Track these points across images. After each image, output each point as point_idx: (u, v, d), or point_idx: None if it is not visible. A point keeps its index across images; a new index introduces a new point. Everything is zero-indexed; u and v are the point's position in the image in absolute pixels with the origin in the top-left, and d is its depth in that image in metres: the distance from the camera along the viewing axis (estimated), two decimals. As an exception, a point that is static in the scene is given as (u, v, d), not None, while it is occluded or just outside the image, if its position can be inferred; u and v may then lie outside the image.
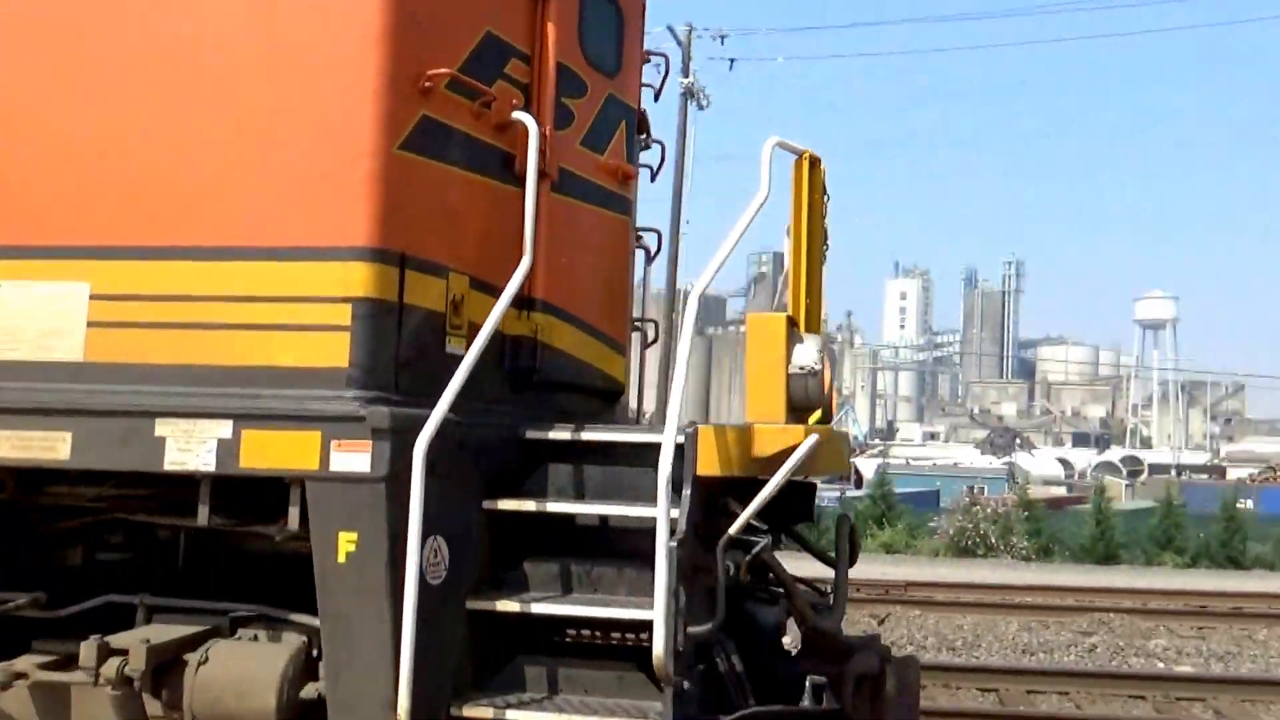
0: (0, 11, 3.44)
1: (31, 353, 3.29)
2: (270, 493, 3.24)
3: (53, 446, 3.18)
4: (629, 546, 3.49)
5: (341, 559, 3.06)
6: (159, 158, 3.30)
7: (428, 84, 3.32)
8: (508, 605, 3.31)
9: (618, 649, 3.59)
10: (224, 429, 3.12)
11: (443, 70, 3.36)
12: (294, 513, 3.15)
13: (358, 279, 3.17)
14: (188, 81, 3.31)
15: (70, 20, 3.41)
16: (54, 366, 3.27)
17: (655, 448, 3.46)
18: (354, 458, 3.06)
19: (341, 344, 3.15)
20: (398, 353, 3.22)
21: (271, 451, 3.10)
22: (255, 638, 3.33)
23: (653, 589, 3.31)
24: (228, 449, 3.12)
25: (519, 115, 3.61)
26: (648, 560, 3.48)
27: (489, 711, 3.18)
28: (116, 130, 3.33)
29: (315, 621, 3.24)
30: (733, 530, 3.30)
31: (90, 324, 3.27)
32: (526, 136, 3.55)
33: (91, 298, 3.27)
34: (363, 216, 3.19)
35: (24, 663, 3.34)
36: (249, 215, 3.23)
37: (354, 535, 3.06)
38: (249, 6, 3.31)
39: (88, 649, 3.12)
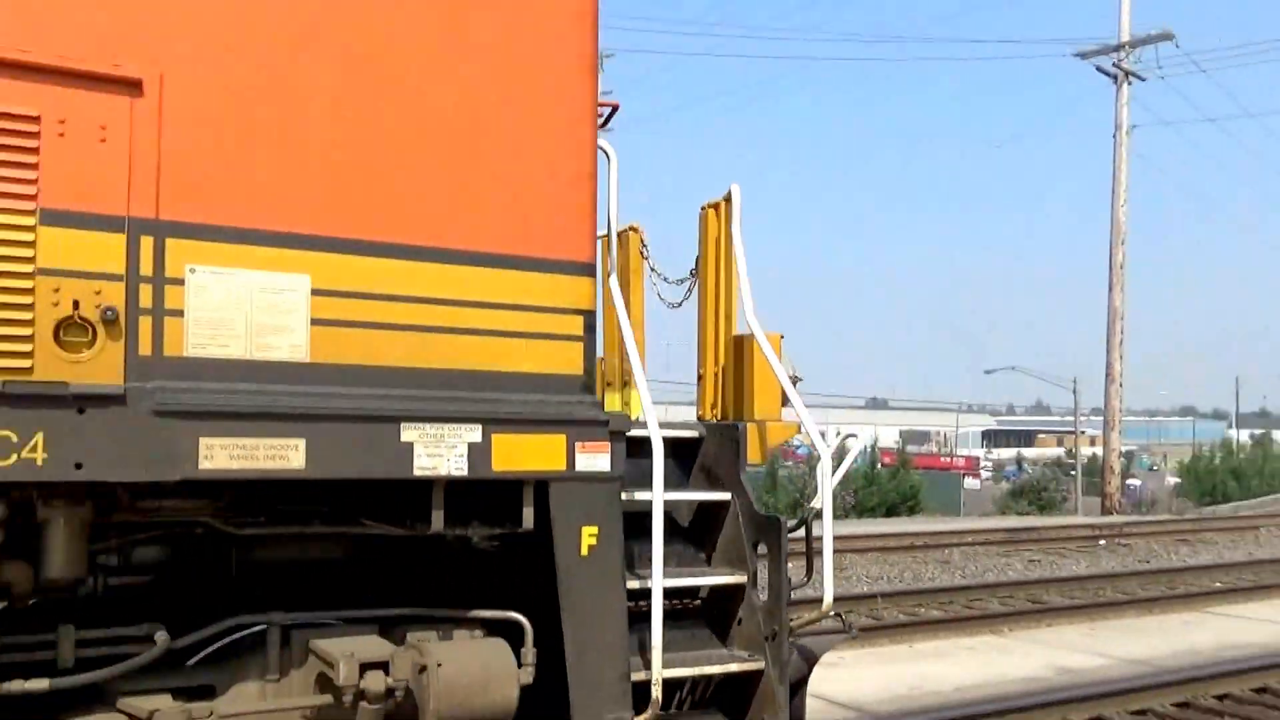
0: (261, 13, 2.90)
1: (245, 350, 2.87)
2: (469, 496, 3.30)
3: (284, 455, 2.87)
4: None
5: (584, 552, 3.32)
6: (398, 152, 3.10)
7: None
8: (638, 583, 3.78)
9: (681, 612, 4.23)
10: (474, 433, 3.14)
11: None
12: (528, 513, 3.28)
13: (586, 292, 3.40)
14: (439, 90, 3.16)
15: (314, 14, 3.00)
16: (277, 366, 2.91)
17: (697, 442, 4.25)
18: (596, 459, 3.33)
19: (577, 352, 3.37)
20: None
21: (521, 454, 3.21)
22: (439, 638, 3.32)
23: (712, 560, 4.12)
24: (479, 453, 3.14)
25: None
26: (684, 536, 4.26)
27: (652, 674, 3.64)
28: (358, 118, 3.03)
29: (484, 615, 3.39)
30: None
31: (316, 322, 2.97)
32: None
33: (314, 293, 2.97)
34: (585, 234, 3.42)
35: (198, 708, 2.91)
36: (489, 222, 3.23)
37: (595, 530, 3.33)
38: (495, 33, 3.26)
39: (348, 666, 2.90)
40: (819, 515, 4.10)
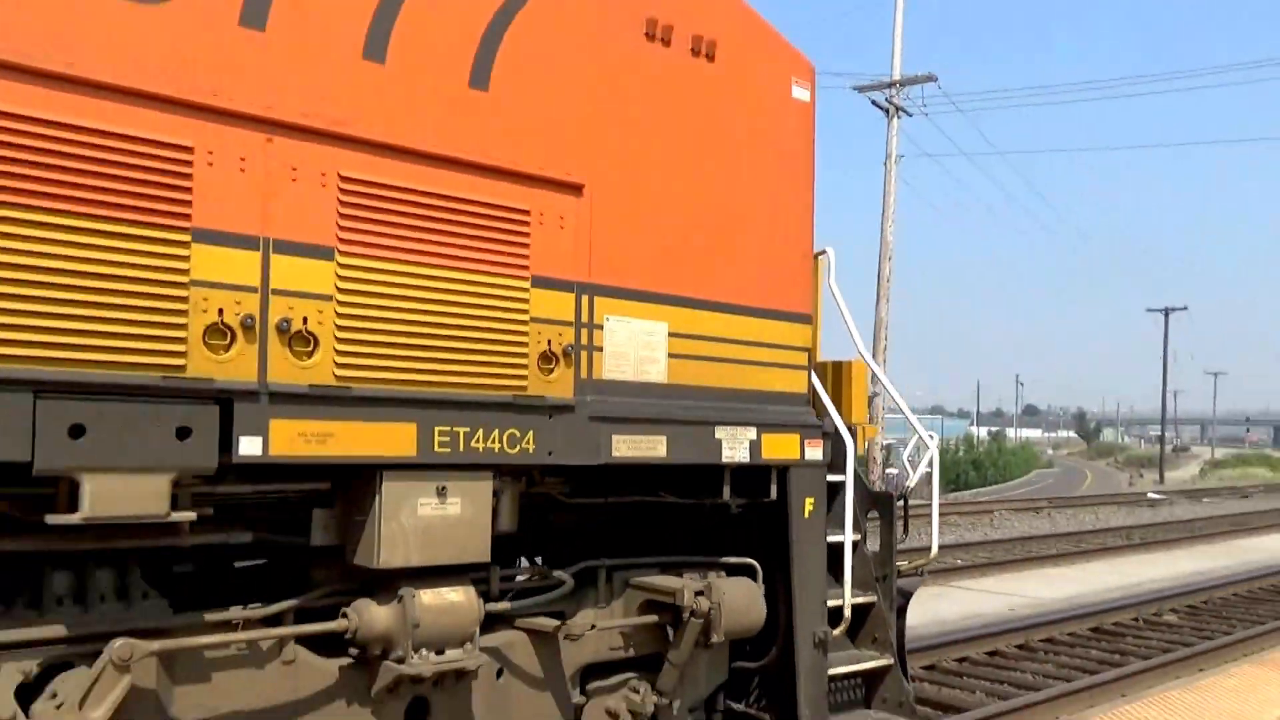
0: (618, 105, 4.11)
1: (634, 374, 4.13)
2: (694, 478, 4.65)
3: (654, 447, 4.16)
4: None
5: (807, 515, 4.77)
6: (717, 238, 4.41)
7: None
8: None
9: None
10: (752, 434, 4.52)
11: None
12: (774, 489, 4.69)
13: (809, 335, 4.84)
14: (738, 203, 4.50)
15: (662, 118, 4.25)
16: (650, 386, 4.18)
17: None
18: (816, 451, 4.79)
19: (804, 377, 4.80)
20: (798, 383, 4.96)
21: (776, 448, 4.61)
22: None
23: (829, 525, 5.64)
24: (755, 447, 4.53)
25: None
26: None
27: (844, 599, 5.11)
28: (695, 215, 4.33)
29: (731, 561, 4.77)
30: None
31: (683, 356, 4.27)
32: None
33: (670, 335, 4.26)
34: (808, 294, 4.86)
35: (574, 624, 4.17)
36: (762, 286, 4.59)
37: (812, 500, 4.79)
38: (769, 162, 4.62)
39: (690, 592, 4.24)
40: (912, 491, 5.71)
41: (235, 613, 3.44)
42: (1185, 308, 61.74)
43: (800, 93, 4.84)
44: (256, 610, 3.46)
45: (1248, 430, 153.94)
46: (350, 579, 3.68)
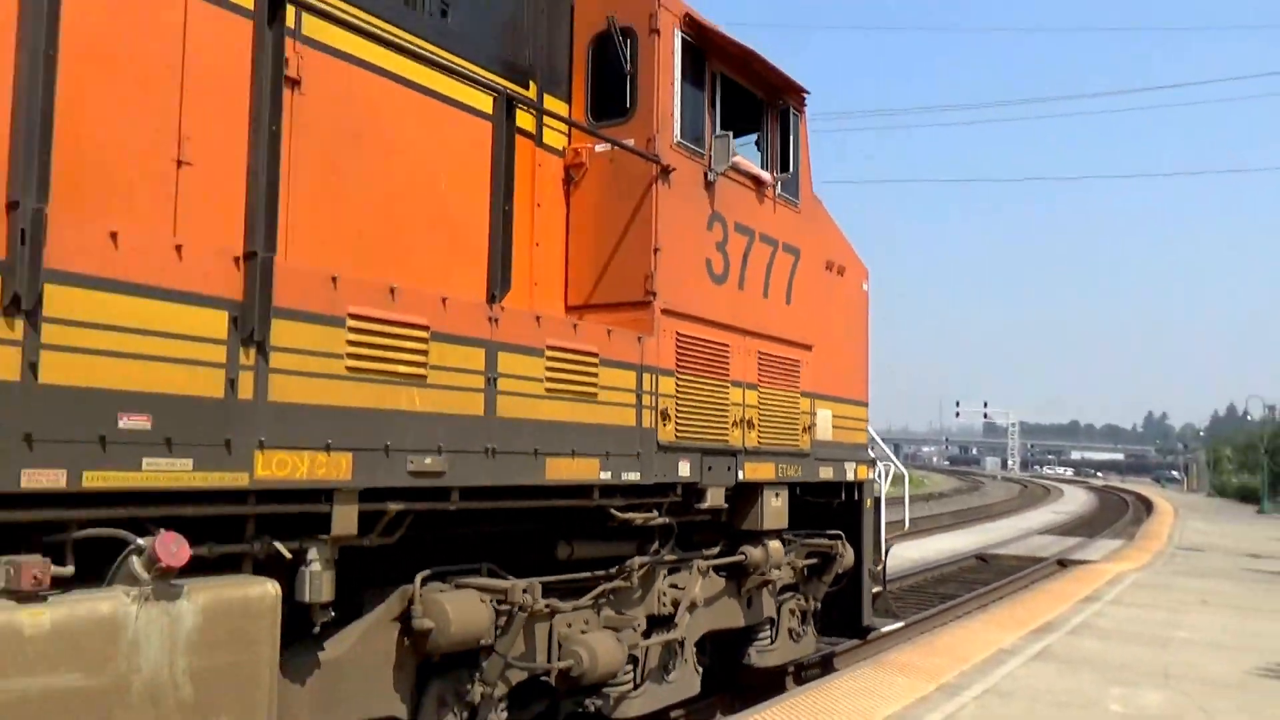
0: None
1: (824, 436, 8.36)
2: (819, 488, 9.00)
3: (831, 472, 8.44)
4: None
5: (868, 506, 9.23)
6: (845, 363, 8.76)
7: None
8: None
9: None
10: (854, 467, 8.91)
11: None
12: (856, 494, 9.09)
13: (866, 413, 9.32)
14: (843, 326, 8.87)
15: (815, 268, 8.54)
16: (828, 442, 8.42)
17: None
18: (873, 472, 9.28)
19: (865, 434, 9.28)
20: (856, 436, 9.44)
21: (858, 472, 9.03)
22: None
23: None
24: (852, 471, 8.90)
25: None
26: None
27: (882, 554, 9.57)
28: (840, 351, 8.65)
29: (829, 533, 9.09)
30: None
31: (835, 427, 8.55)
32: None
33: (834, 416, 8.53)
34: (867, 391, 9.35)
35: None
36: (850, 383, 9.00)
37: (870, 501, 9.27)
38: (854, 305, 9.06)
39: (837, 545, 8.52)
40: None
41: (703, 553, 7.29)
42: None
43: (866, 286, 9.35)
44: (712, 552, 7.33)
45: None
46: (729, 538, 7.61)
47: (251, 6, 4.29)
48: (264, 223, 4.04)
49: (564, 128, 6.62)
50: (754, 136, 7.79)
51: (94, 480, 3.48)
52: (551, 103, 6.57)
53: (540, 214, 6.45)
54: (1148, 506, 44.05)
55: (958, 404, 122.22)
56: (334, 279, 4.33)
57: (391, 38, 5.10)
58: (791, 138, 7.88)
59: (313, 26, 4.96)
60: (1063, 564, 19.77)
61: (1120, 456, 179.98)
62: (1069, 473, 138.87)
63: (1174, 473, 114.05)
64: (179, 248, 3.77)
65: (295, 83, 4.90)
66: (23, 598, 3.37)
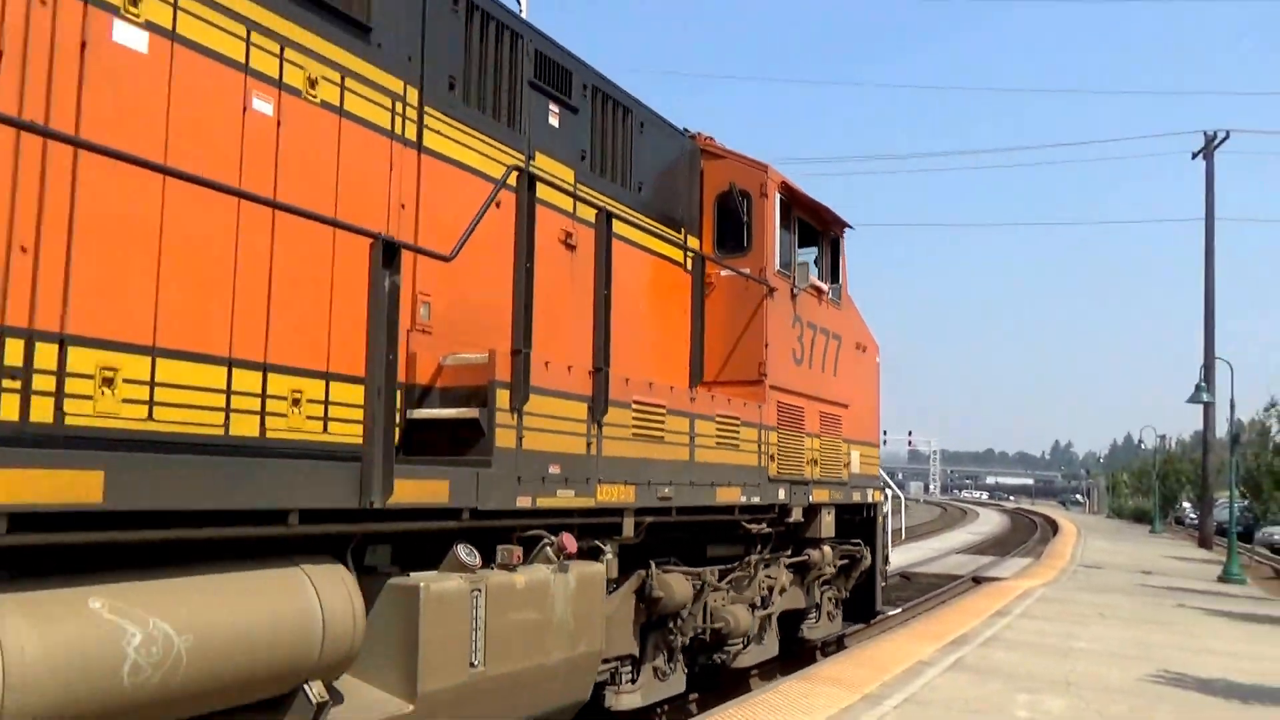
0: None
1: (856, 469, 11.38)
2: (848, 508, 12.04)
3: (858, 496, 11.47)
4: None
5: (880, 520, 12.30)
6: (865, 415, 11.82)
7: (866, 396, 12.65)
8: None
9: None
10: (874, 491, 11.96)
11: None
12: (871, 512, 12.14)
13: (878, 453, 12.41)
14: (861, 382, 11.96)
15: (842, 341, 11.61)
16: (857, 474, 11.44)
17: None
18: (883, 495, 12.35)
19: (877, 466, 12.35)
20: (869, 469, 12.52)
21: (873, 496, 12.09)
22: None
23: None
24: (872, 495, 11.95)
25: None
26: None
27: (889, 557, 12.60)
28: (865, 407, 11.72)
29: (854, 540, 12.10)
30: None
31: (861, 462, 11.59)
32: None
33: (861, 455, 11.57)
34: (878, 433, 12.44)
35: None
36: (868, 429, 12.07)
37: (882, 517, 12.34)
38: (869, 372, 12.16)
39: (862, 549, 11.55)
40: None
41: (784, 554, 10.22)
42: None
43: (878, 358, 12.47)
44: (788, 553, 10.28)
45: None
46: (796, 543, 10.54)
47: (593, 219, 7.12)
48: (604, 349, 6.89)
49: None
50: (814, 252, 10.82)
51: (542, 502, 6.27)
52: (691, 241, 9.50)
53: (683, 317, 9.37)
54: (1054, 527, 47.92)
55: (885, 432, 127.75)
56: (626, 380, 7.18)
57: (629, 216, 8.00)
58: (839, 257, 10.96)
59: (584, 211, 7.81)
60: (977, 580, 21.10)
61: (1030, 481, 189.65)
62: (984, 496, 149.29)
63: (1078, 496, 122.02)
64: (569, 368, 6.59)
65: (572, 248, 7.75)
66: (508, 569, 6.14)
